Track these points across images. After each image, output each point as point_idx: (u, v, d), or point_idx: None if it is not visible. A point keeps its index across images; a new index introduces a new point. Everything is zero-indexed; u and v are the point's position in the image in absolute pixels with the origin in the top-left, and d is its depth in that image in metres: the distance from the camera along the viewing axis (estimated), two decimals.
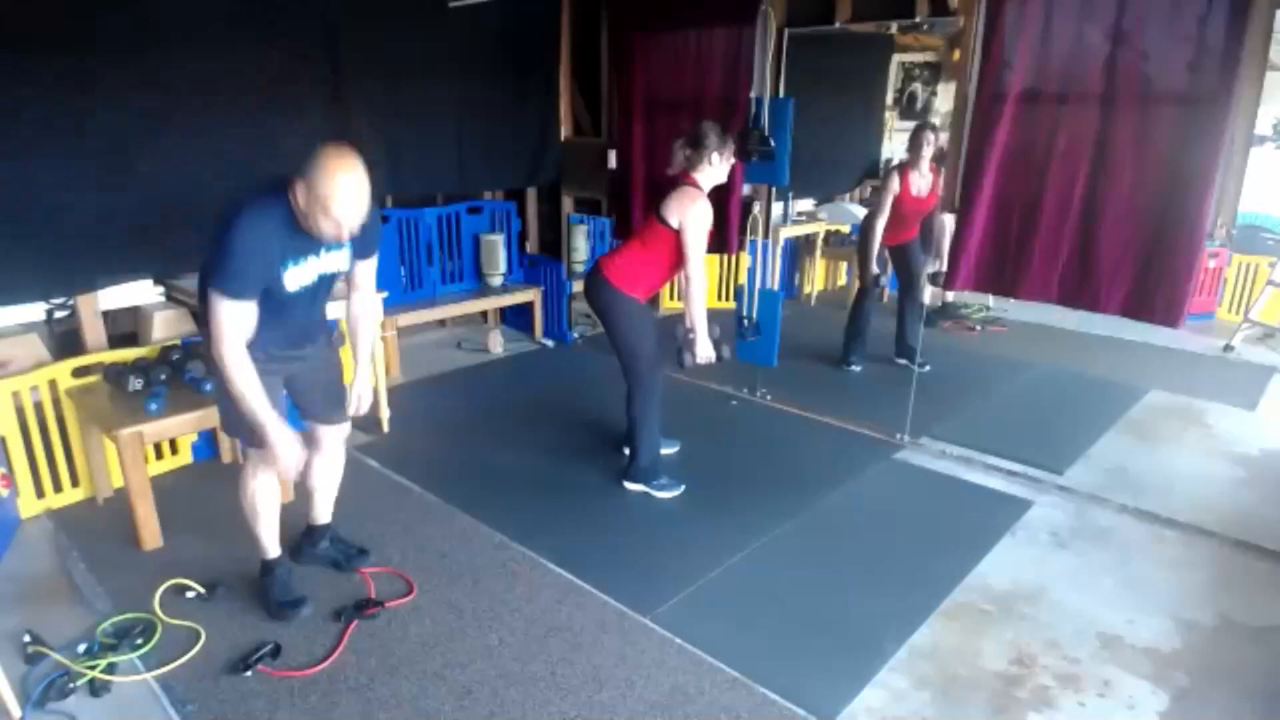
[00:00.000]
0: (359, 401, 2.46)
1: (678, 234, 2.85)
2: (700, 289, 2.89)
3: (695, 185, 2.90)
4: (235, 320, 1.97)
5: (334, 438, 2.48)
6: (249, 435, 2.15)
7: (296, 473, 2.18)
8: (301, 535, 2.62)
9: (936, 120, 5.82)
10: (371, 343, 2.46)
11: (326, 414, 2.43)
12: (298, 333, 2.24)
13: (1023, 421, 3.91)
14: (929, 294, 4.92)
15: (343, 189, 1.91)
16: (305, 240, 2.04)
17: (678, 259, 2.91)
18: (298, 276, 2.08)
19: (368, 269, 2.35)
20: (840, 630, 2.34)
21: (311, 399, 2.39)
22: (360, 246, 2.25)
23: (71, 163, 2.94)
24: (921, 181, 4.19)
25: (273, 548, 2.39)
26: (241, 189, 2.03)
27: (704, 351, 2.97)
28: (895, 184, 4.18)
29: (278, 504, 2.37)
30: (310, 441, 2.43)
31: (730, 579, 2.59)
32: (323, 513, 2.60)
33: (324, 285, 2.21)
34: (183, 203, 3.28)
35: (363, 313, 2.40)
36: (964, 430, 3.68)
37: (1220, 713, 2.06)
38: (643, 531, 2.89)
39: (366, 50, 3.87)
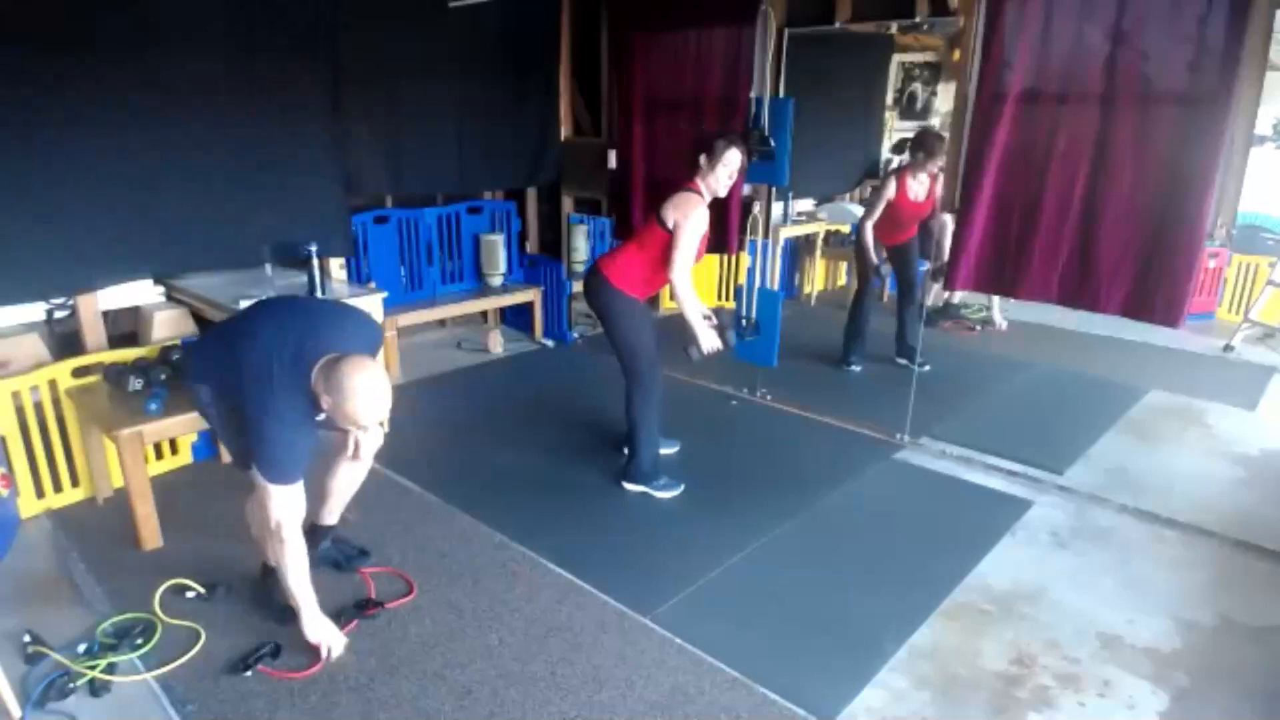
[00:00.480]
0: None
1: (673, 234, 2.85)
2: (684, 290, 2.88)
3: (697, 191, 2.89)
4: (292, 504, 2.08)
5: (368, 437, 2.45)
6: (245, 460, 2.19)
7: (335, 656, 2.19)
8: (304, 533, 2.62)
9: (936, 121, 5.84)
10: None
11: None
12: None
13: (1023, 421, 3.91)
14: (930, 294, 4.92)
15: (369, 406, 1.96)
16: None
17: None
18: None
19: (372, 439, 2.39)
20: (840, 630, 2.34)
21: None
22: None
23: (71, 162, 2.94)
24: (919, 187, 4.18)
25: None
26: (262, 365, 2.02)
27: (708, 343, 2.97)
28: (891, 189, 4.18)
29: None
30: (343, 447, 2.43)
31: (730, 579, 2.59)
32: (332, 515, 2.60)
33: None
34: (183, 202, 3.28)
35: (350, 481, 2.49)
36: (964, 430, 3.68)
37: (1220, 713, 2.06)
38: (643, 531, 2.89)
39: (367, 50, 3.88)
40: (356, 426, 2.06)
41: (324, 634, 2.17)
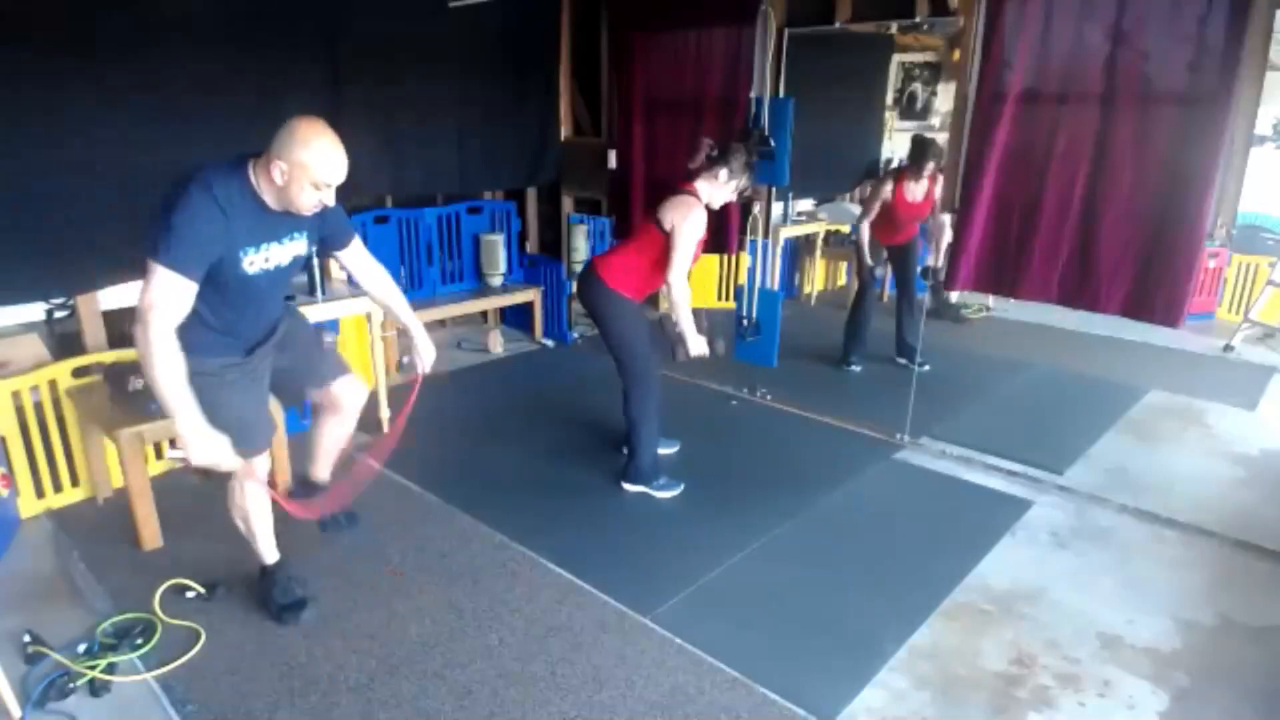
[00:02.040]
0: (425, 359, 2.47)
1: (670, 237, 2.84)
2: (681, 296, 2.88)
3: (695, 194, 2.89)
4: (170, 295, 1.80)
5: (350, 391, 2.46)
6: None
7: (213, 465, 1.93)
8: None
9: (936, 121, 5.84)
10: (403, 301, 2.44)
11: (327, 372, 2.42)
12: (267, 323, 2.21)
13: (1023, 421, 3.91)
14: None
15: (326, 152, 1.92)
16: (265, 225, 2.00)
17: None
18: (257, 262, 2.00)
19: (357, 254, 2.34)
20: (840, 630, 2.34)
21: (304, 367, 2.36)
22: (333, 236, 2.26)
23: (72, 162, 2.94)
24: (917, 189, 4.17)
25: (270, 554, 2.39)
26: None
27: (696, 347, 2.96)
28: (888, 190, 4.17)
29: (269, 511, 2.35)
30: (326, 404, 2.47)
31: (730, 579, 2.59)
32: (323, 470, 2.65)
33: (283, 275, 2.15)
34: None
35: (381, 284, 2.38)
36: (964, 430, 3.68)
37: (1220, 713, 2.06)
38: (643, 531, 2.89)
39: (366, 50, 3.87)
40: (315, 182, 1.90)
41: (207, 438, 1.85)
